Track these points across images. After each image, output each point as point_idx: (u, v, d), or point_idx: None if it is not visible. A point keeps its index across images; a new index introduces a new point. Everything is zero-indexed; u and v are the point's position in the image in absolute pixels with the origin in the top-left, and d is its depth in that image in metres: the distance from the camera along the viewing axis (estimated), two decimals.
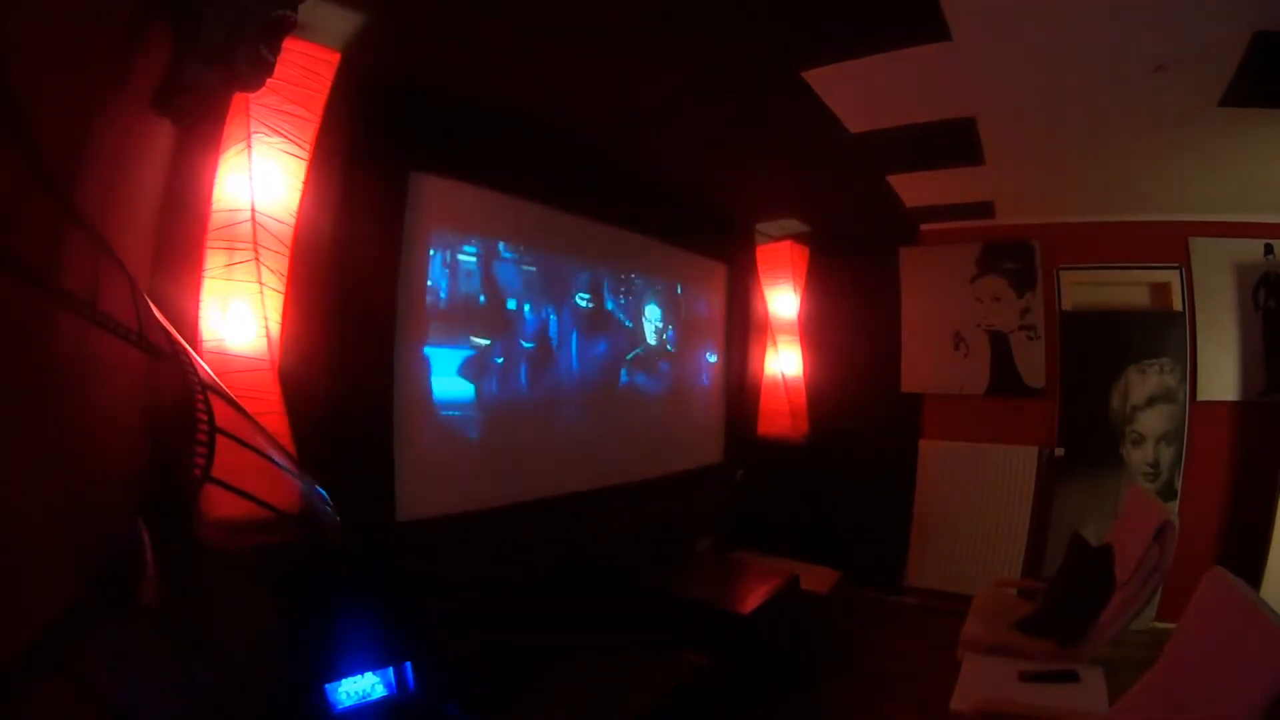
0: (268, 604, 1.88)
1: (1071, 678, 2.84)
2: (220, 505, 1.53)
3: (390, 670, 2.66)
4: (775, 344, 5.85)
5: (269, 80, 1.89)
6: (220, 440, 1.18)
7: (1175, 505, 4.61)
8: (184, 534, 1.33)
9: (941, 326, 5.46)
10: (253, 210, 2.21)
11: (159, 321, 1.28)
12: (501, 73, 2.96)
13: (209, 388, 1.29)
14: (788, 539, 5.22)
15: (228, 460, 1.27)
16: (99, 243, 1.18)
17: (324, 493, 1.58)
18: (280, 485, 1.50)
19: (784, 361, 5.81)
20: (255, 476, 1.38)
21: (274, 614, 1.91)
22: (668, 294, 4.97)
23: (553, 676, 3.08)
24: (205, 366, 1.42)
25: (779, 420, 5.77)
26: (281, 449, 1.55)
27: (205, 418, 1.16)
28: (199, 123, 1.95)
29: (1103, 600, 3.09)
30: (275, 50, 1.81)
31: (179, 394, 1.28)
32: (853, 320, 5.87)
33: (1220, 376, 4.71)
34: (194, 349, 2.07)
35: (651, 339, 4.76)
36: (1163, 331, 4.80)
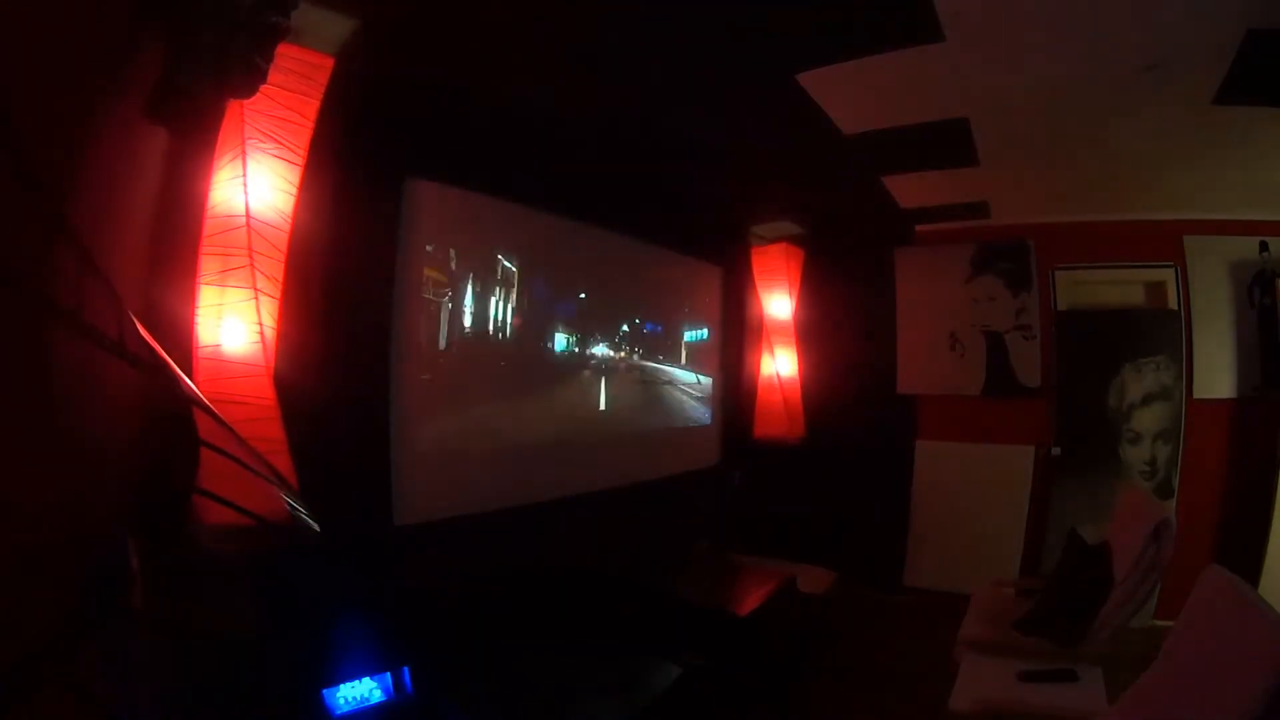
0: (261, 609, 1.87)
1: (1070, 677, 2.83)
2: (214, 512, 1.53)
3: (388, 675, 2.65)
4: (771, 346, 5.85)
5: (263, 86, 1.90)
6: (204, 450, 1.18)
7: (1172, 503, 4.61)
8: (176, 541, 1.33)
9: (937, 327, 5.46)
10: (247, 216, 2.21)
11: (142, 334, 1.28)
12: (495, 79, 2.97)
13: (192, 400, 1.29)
14: (785, 540, 5.21)
15: (218, 467, 1.27)
16: (84, 254, 1.18)
17: (300, 503, 1.59)
18: (269, 493, 1.50)
19: (780, 363, 5.81)
20: (247, 484, 1.38)
21: (267, 618, 1.90)
22: (664, 296, 4.97)
23: (551, 678, 3.07)
24: (187, 380, 1.42)
25: (775, 422, 5.77)
26: (260, 459, 1.55)
27: (190, 430, 1.16)
28: (193, 129, 1.95)
29: (1100, 599, 3.09)
30: (268, 56, 1.82)
31: (167, 406, 1.29)
32: (848, 321, 5.86)
33: (1216, 374, 4.72)
34: (189, 354, 2.07)
35: (647, 341, 4.76)
36: (1159, 330, 4.81)
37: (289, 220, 2.33)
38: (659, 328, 4.92)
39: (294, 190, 2.34)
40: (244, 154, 2.22)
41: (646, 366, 4.75)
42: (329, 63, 2.37)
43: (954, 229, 5.42)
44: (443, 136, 3.21)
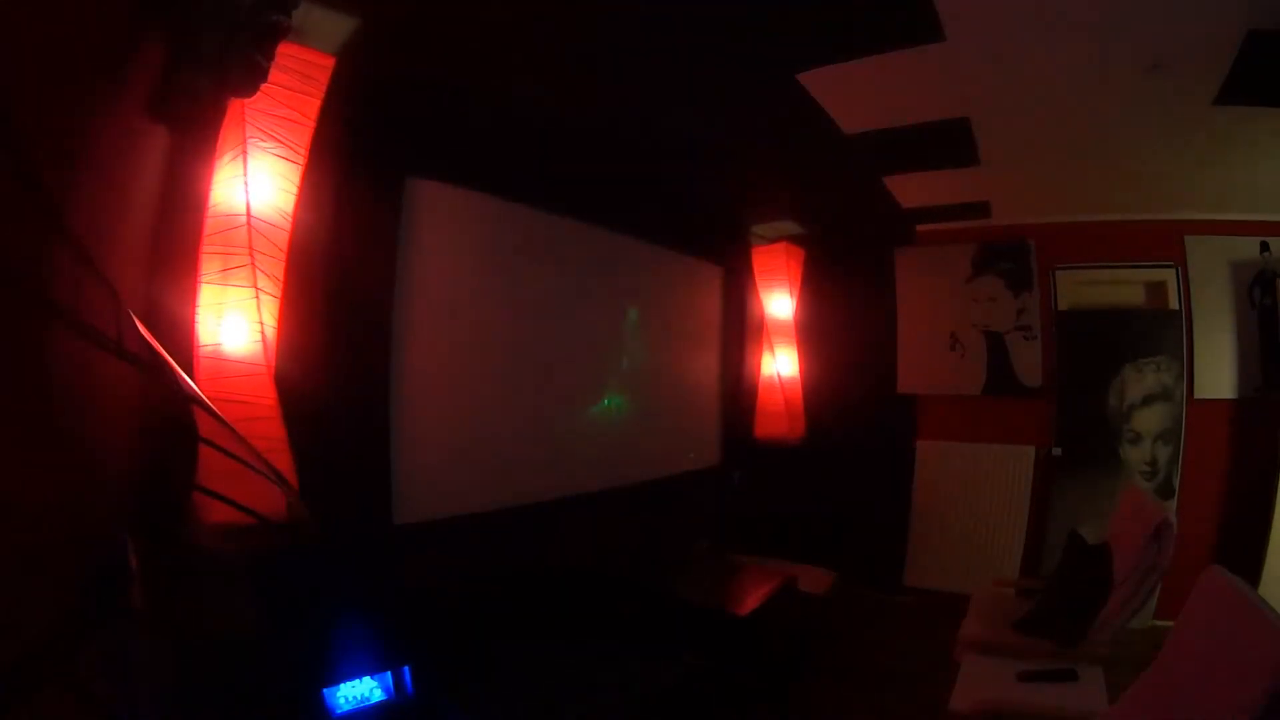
0: (260, 607, 1.88)
1: (1070, 677, 2.83)
2: (214, 511, 1.53)
3: (389, 674, 2.65)
4: (771, 346, 5.85)
5: (263, 85, 1.90)
6: (205, 449, 1.18)
7: (1173, 504, 4.61)
8: (175, 539, 1.32)
9: (937, 327, 5.46)
10: (248, 215, 2.21)
11: (141, 333, 1.28)
12: (496, 78, 2.96)
13: (192, 399, 1.29)
14: (785, 540, 5.22)
15: (219, 465, 1.27)
16: (83, 254, 1.18)
17: (300, 497, 1.59)
18: (270, 491, 1.50)
19: (780, 363, 5.80)
20: (245, 481, 1.38)
21: (266, 617, 1.90)
22: (664, 297, 4.97)
23: (551, 678, 3.07)
24: (188, 378, 1.42)
25: (775, 422, 5.77)
26: (261, 458, 1.55)
27: (190, 429, 1.16)
28: (194, 128, 1.95)
29: (1100, 599, 3.09)
30: (269, 55, 1.82)
31: (167, 405, 1.28)
32: (849, 321, 5.87)
33: (1217, 374, 4.72)
34: (190, 353, 2.07)
35: (648, 341, 4.76)
36: (1159, 330, 4.81)
37: (290, 219, 2.33)
38: (659, 327, 4.91)
39: (295, 189, 2.34)
40: (245, 153, 2.21)
41: (647, 366, 4.74)
42: (330, 62, 2.36)
43: (955, 229, 5.42)
44: (444, 136, 3.21)
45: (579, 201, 4.02)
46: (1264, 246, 4.62)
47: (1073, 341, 5.05)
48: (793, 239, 5.83)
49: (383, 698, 2.62)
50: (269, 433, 2.18)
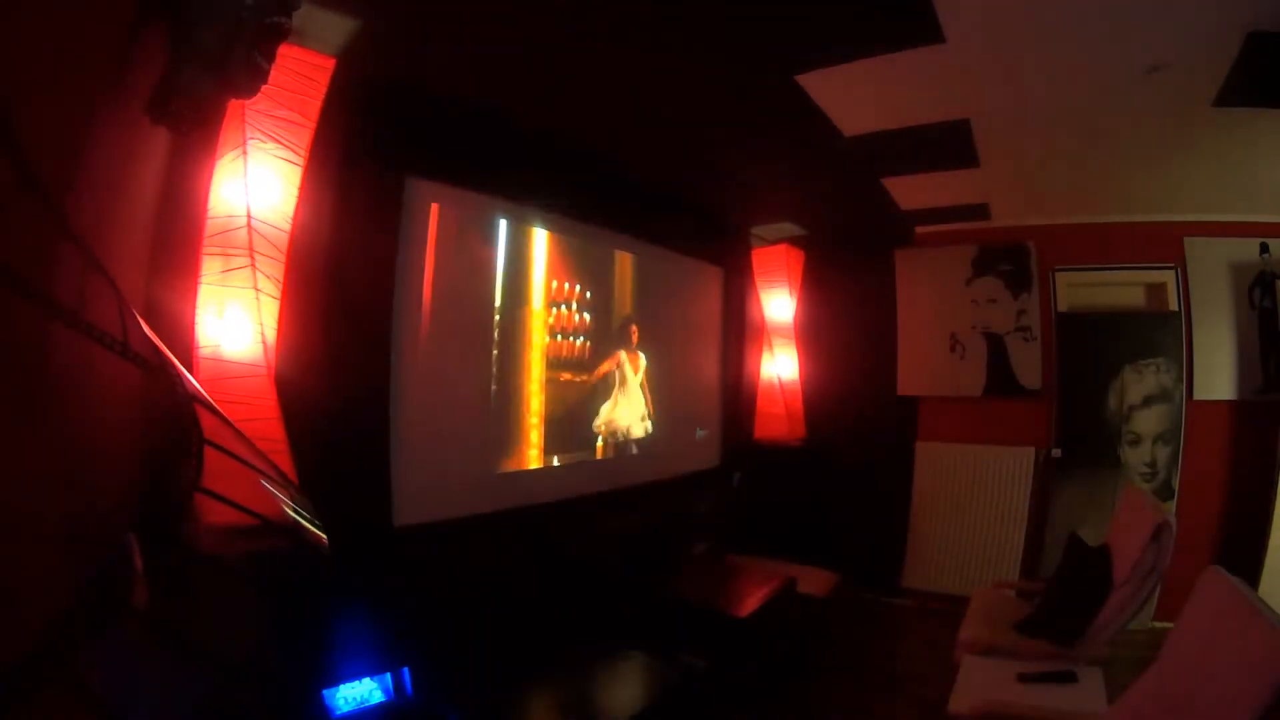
0: (261, 609, 1.87)
1: (1070, 678, 2.84)
2: (215, 511, 1.53)
3: (388, 675, 2.65)
4: (771, 347, 5.85)
5: (264, 86, 1.90)
6: (209, 450, 1.18)
7: (1172, 505, 4.61)
8: (176, 540, 1.32)
9: (937, 329, 5.46)
10: (248, 216, 2.22)
11: (146, 333, 1.28)
12: (497, 79, 2.96)
13: (196, 399, 1.29)
14: (785, 542, 5.21)
15: (221, 466, 1.26)
16: (86, 253, 1.18)
17: (308, 508, 1.59)
18: (274, 493, 1.50)
19: (780, 365, 5.80)
20: (248, 483, 1.38)
21: (267, 618, 1.90)
22: (665, 298, 4.97)
23: (551, 680, 3.07)
24: (191, 378, 1.42)
25: (776, 424, 5.77)
26: (266, 459, 1.55)
27: (195, 429, 1.16)
28: (194, 129, 1.95)
29: (1100, 601, 3.09)
30: (270, 56, 1.82)
31: (170, 405, 1.28)
32: (849, 323, 5.87)
33: (1217, 376, 4.72)
34: (190, 355, 2.07)
35: (647, 343, 4.76)
36: (1159, 331, 4.81)
37: (290, 220, 2.33)
38: (659, 328, 4.91)
39: (295, 190, 2.34)
40: (245, 153, 2.22)
41: (647, 364, 4.74)
42: (330, 63, 2.37)
43: (954, 230, 5.42)
44: (443, 136, 3.21)
45: (579, 202, 4.02)
46: (1264, 248, 4.62)
47: (1072, 343, 5.05)
48: (793, 240, 5.84)
49: (382, 699, 2.62)
50: (269, 434, 2.19)
